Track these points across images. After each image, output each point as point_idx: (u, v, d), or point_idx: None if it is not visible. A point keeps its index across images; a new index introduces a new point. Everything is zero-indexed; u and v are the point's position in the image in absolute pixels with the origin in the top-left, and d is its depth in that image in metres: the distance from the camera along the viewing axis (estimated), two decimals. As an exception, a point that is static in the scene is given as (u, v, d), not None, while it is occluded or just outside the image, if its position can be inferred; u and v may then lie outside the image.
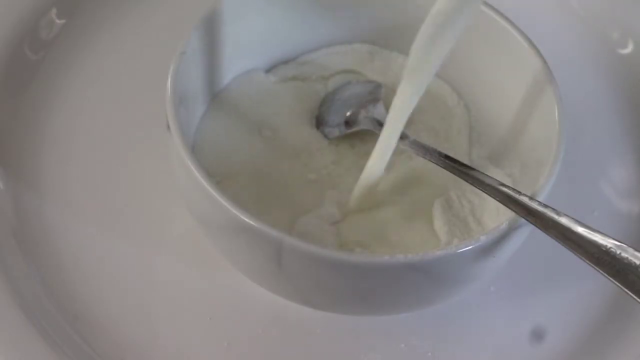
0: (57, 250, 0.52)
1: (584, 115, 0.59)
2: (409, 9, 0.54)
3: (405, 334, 0.51)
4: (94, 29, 0.61)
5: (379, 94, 0.54)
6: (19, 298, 0.50)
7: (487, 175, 0.47)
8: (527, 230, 0.47)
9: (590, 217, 0.56)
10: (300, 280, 0.46)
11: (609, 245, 0.42)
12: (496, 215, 0.49)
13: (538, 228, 0.44)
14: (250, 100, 0.54)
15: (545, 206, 0.44)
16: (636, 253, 0.42)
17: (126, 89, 0.58)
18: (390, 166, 0.51)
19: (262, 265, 0.46)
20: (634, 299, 0.41)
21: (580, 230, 0.43)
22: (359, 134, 0.53)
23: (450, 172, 0.48)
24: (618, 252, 0.42)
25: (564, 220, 0.44)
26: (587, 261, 0.43)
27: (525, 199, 0.45)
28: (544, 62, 0.50)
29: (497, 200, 0.46)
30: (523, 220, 0.45)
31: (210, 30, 0.51)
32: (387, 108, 0.53)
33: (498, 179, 0.47)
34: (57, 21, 0.60)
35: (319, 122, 0.53)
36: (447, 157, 0.49)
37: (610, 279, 0.42)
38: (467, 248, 0.44)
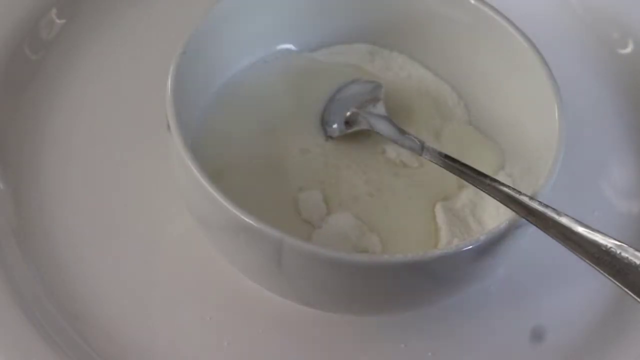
0: (57, 250, 0.52)
1: (584, 115, 0.59)
2: (409, 9, 0.54)
3: (405, 334, 0.51)
4: (94, 29, 0.61)
5: (379, 94, 0.53)
6: (19, 298, 0.50)
7: (487, 175, 0.47)
8: (527, 231, 0.47)
9: (590, 217, 0.56)
10: (300, 280, 0.46)
11: (609, 245, 0.42)
12: (496, 215, 0.50)
13: (538, 228, 0.44)
14: (250, 100, 0.54)
15: (546, 206, 0.44)
16: (636, 253, 0.42)
17: (126, 88, 0.58)
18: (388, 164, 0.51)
19: (262, 265, 0.46)
20: (634, 298, 0.41)
21: (581, 230, 0.43)
22: (358, 133, 0.53)
23: (451, 172, 0.48)
24: (618, 252, 0.42)
25: (564, 220, 0.44)
26: (588, 261, 0.43)
27: (525, 199, 0.45)
28: (544, 62, 0.50)
29: (497, 200, 0.46)
30: (523, 220, 0.45)
31: (211, 29, 0.51)
32: (387, 108, 0.53)
33: (498, 179, 0.47)
34: (57, 21, 0.61)
35: (323, 122, 0.53)
36: (447, 156, 0.49)
37: (611, 278, 0.42)
38: (467, 248, 0.44)
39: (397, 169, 0.52)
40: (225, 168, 0.50)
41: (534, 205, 0.44)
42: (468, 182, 0.47)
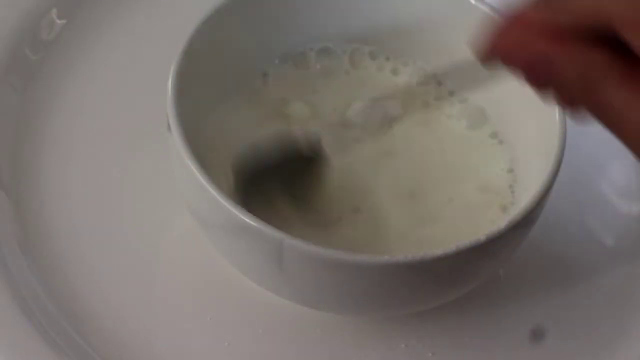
0: (57, 250, 0.52)
1: (583, 115, 0.59)
2: (408, 10, 0.54)
3: (405, 334, 0.51)
4: (95, 29, 0.61)
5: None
6: (19, 298, 0.50)
7: None
8: (527, 231, 0.47)
9: (591, 217, 0.56)
10: (301, 281, 0.46)
11: None
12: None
13: None
14: (251, 101, 0.54)
15: None
16: None
17: (127, 89, 0.58)
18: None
19: (262, 265, 0.46)
20: None
21: None
22: None
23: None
24: None
25: None
26: None
27: None
28: (544, 62, 0.50)
29: None
30: (523, 219, 0.45)
31: (212, 29, 0.50)
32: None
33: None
34: (58, 21, 0.61)
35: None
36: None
37: None
38: (467, 248, 0.44)
39: None
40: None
41: None
42: None
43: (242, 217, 0.44)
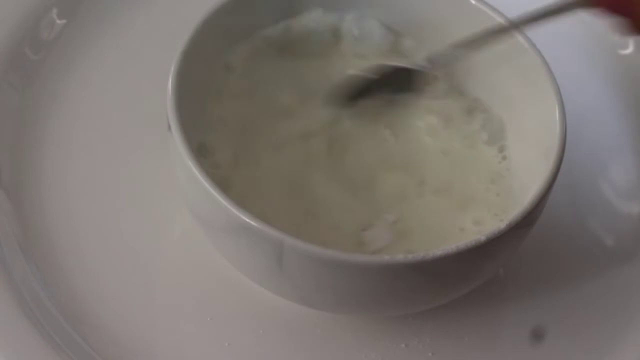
0: (57, 250, 0.52)
1: (584, 115, 0.59)
2: (408, 10, 0.54)
3: (405, 334, 0.51)
4: (95, 29, 0.61)
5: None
6: (19, 298, 0.50)
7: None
8: (527, 231, 0.47)
9: (591, 217, 0.56)
10: (301, 281, 0.46)
11: None
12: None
13: None
14: (252, 100, 0.54)
15: None
16: None
17: (127, 88, 0.58)
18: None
19: (262, 265, 0.46)
20: None
21: None
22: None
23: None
24: None
25: None
26: None
27: None
28: (544, 62, 0.50)
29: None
30: (523, 220, 0.45)
31: (212, 29, 0.50)
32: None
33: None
34: (58, 21, 0.61)
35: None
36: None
37: None
38: (467, 248, 0.44)
39: None
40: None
41: None
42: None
43: (242, 217, 0.44)
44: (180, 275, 0.52)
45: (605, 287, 0.54)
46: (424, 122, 0.53)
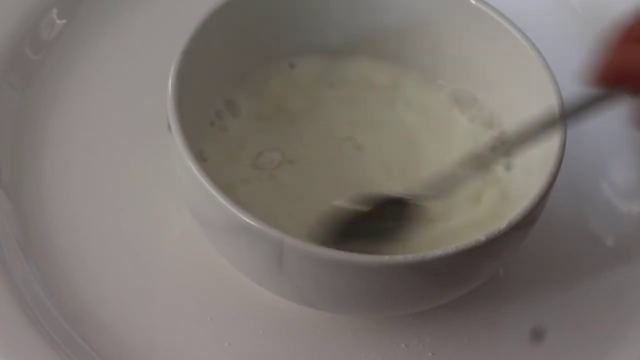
0: (57, 250, 0.52)
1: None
2: (407, 11, 0.54)
3: (405, 334, 0.51)
4: (95, 29, 0.61)
5: None
6: (18, 298, 0.50)
7: None
8: (528, 231, 0.47)
9: (591, 217, 0.56)
10: (301, 281, 0.46)
11: None
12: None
13: None
14: (251, 100, 0.54)
15: None
16: None
17: (127, 89, 0.58)
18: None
19: (262, 265, 0.46)
20: None
21: None
22: None
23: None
24: None
25: None
26: None
27: None
28: (544, 62, 0.50)
29: None
30: (523, 220, 0.45)
31: (212, 29, 0.50)
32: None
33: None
34: (58, 21, 0.61)
35: None
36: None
37: None
38: (467, 248, 0.44)
39: None
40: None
41: None
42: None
43: (242, 217, 0.44)
44: (180, 275, 0.52)
45: (605, 287, 0.54)
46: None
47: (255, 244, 0.45)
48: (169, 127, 0.47)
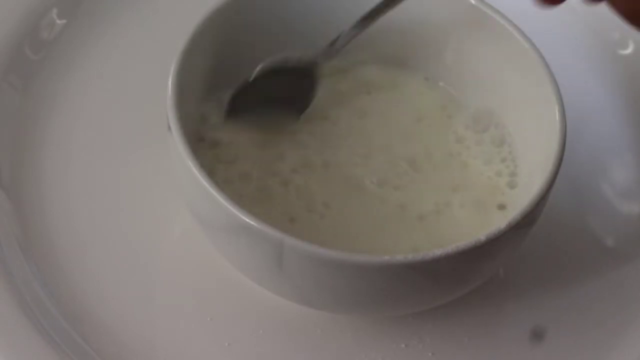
0: (57, 250, 0.52)
1: (584, 115, 0.59)
2: (407, 11, 0.54)
3: (405, 334, 0.51)
4: (95, 29, 0.61)
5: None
6: (19, 298, 0.50)
7: None
8: (527, 231, 0.47)
9: (591, 217, 0.56)
10: (301, 281, 0.46)
11: None
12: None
13: None
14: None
15: None
16: None
17: (127, 88, 0.58)
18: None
19: (262, 265, 0.46)
20: None
21: None
22: None
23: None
24: None
25: None
26: None
27: None
28: (544, 62, 0.50)
29: None
30: (523, 219, 0.45)
31: (211, 29, 0.50)
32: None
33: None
34: (58, 21, 0.61)
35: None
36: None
37: None
38: (467, 248, 0.44)
39: None
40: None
41: None
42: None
43: (242, 217, 0.44)
44: (180, 275, 0.52)
45: (605, 287, 0.54)
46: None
47: (255, 244, 0.45)
48: (169, 127, 0.47)
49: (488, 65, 0.53)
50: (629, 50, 0.62)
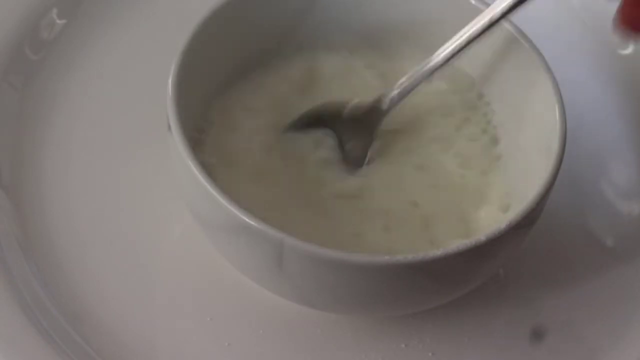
0: (57, 249, 0.52)
1: (584, 115, 0.59)
2: (407, 12, 0.54)
3: (405, 334, 0.51)
4: (95, 29, 0.61)
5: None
6: (19, 298, 0.50)
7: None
8: (527, 231, 0.47)
9: (591, 217, 0.56)
10: (301, 281, 0.46)
11: None
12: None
13: None
14: (251, 99, 0.54)
15: None
16: None
17: (127, 88, 0.58)
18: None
19: (262, 265, 0.46)
20: None
21: None
22: None
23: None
24: None
25: None
26: None
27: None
28: (544, 62, 0.50)
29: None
30: (523, 219, 0.45)
31: (212, 29, 0.51)
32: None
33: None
34: (58, 21, 0.61)
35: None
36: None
37: None
38: (467, 248, 0.44)
39: None
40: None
41: None
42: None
43: (242, 217, 0.44)
44: (180, 275, 0.52)
45: (605, 287, 0.54)
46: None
47: (255, 244, 0.45)
48: (169, 127, 0.47)
49: (487, 65, 0.53)
50: (629, 50, 0.62)
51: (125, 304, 0.51)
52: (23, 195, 0.54)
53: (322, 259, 0.43)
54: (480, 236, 0.44)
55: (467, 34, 0.50)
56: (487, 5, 0.52)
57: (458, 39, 0.50)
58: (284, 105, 0.54)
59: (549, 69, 0.50)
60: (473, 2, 0.52)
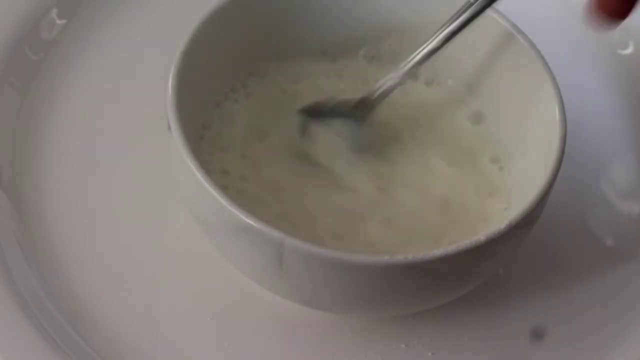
0: (57, 250, 0.52)
1: (584, 115, 0.59)
2: (407, 12, 0.54)
3: (405, 334, 0.51)
4: (95, 29, 0.61)
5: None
6: (19, 298, 0.50)
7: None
8: (528, 231, 0.47)
9: (591, 217, 0.56)
10: (301, 281, 0.46)
11: None
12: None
13: None
14: (251, 99, 0.54)
15: None
16: None
17: (127, 89, 0.58)
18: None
19: (263, 265, 0.46)
20: None
21: None
22: None
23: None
24: None
25: None
26: None
27: None
28: (544, 62, 0.50)
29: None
30: (523, 220, 0.45)
31: (212, 29, 0.51)
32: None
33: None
34: (58, 21, 0.61)
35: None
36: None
37: None
38: (467, 248, 0.44)
39: None
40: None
41: None
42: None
43: (242, 217, 0.44)
44: (180, 275, 0.52)
45: (605, 287, 0.54)
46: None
47: (256, 244, 0.45)
48: (169, 127, 0.47)
49: (487, 64, 0.53)
50: (629, 50, 0.62)
51: (125, 304, 0.51)
52: (23, 195, 0.54)
53: (322, 259, 0.43)
54: (480, 236, 0.44)
55: (448, 29, 0.50)
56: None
57: (441, 32, 0.50)
58: (284, 105, 0.54)
59: (548, 69, 0.50)
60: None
